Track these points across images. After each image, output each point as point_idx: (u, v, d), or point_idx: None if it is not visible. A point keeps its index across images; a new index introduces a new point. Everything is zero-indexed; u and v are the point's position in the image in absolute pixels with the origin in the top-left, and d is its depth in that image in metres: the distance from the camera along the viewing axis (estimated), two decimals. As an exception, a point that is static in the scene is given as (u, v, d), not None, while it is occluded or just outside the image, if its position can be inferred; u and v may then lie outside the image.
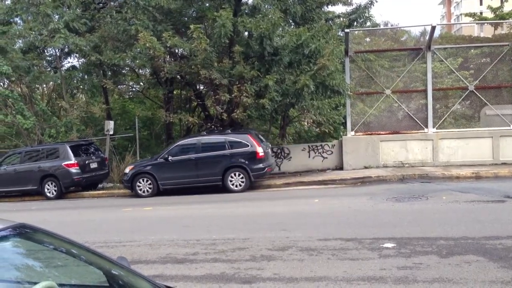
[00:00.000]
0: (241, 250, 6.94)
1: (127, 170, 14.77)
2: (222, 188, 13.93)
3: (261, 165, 13.84)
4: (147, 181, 14.34)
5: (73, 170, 15.37)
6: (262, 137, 15.31)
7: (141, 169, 14.51)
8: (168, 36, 14.45)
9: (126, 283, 2.68)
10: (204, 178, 14.00)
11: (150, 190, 14.31)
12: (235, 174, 13.85)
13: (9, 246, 2.45)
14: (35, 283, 2.04)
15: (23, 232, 2.55)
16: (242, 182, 13.82)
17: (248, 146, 13.82)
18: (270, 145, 15.80)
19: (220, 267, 6.15)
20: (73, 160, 15.37)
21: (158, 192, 14.30)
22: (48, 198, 15.52)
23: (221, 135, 14.46)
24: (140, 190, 14.35)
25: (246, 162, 13.75)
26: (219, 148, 14.02)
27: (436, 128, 16.17)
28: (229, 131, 14.78)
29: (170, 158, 14.19)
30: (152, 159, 14.98)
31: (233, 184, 13.86)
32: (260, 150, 13.76)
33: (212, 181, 14.01)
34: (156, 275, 5.87)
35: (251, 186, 14.06)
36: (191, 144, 14.44)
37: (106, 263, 2.71)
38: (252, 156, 13.76)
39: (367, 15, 18.78)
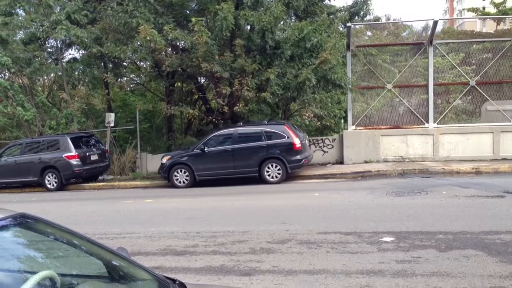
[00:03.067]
0: (241, 242, 6.97)
1: (164, 161, 14.67)
2: (259, 179, 13.86)
3: (298, 157, 13.70)
4: (183, 171, 14.30)
5: (74, 162, 15.39)
6: (298, 129, 15.20)
7: (178, 159, 14.44)
8: (170, 29, 14.41)
9: (126, 274, 2.70)
10: (241, 170, 13.92)
11: (187, 181, 14.28)
12: (271, 166, 13.75)
13: (9, 236, 2.46)
14: (36, 273, 2.05)
15: (23, 222, 2.56)
16: (279, 173, 13.72)
17: (285, 137, 13.70)
18: (307, 136, 15.68)
19: (220, 260, 6.18)
20: (73, 152, 15.40)
21: (195, 183, 14.25)
22: (49, 190, 15.55)
23: (258, 126, 14.33)
24: (177, 180, 14.31)
25: (283, 153, 13.64)
26: (255, 139, 13.92)
27: (437, 123, 16.17)
28: (266, 121, 14.72)
29: (206, 149, 14.11)
30: (188, 149, 14.84)
31: (269, 176, 13.76)
32: (297, 142, 13.63)
33: (249, 172, 13.90)
34: (156, 266, 5.89)
35: (287, 177, 13.93)
36: (228, 134, 14.33)
37: (106, 253, 2.72)
38: (289, 148, 13.64)
39: (367, 7, 18.75)
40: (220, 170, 14.05)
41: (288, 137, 13.69)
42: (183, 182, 14.31)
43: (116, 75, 19.57)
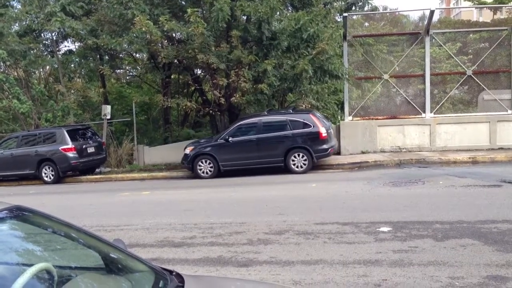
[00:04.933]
0: (238, 234, 6.98)
1: (187, 151, 14.42)
2: (285, 169, 13.69)
3: (324, 146, 13.53)
4: (207, 162, 14.13)
5: (70, 154, 15.35)
6: (324, 118, 15.05)
7: (201, 150, 14.24)
8: (165, 20, 14.31)
9: (123, 266, 2.70)
10: (266, 159, 13.72)
11: (211, 172, 14.09)
12: (297, 155, 13.56)
13: (6, 229, 2.45)
14: (32, 266, 2.04)
15: (19, 214, 2.55)
16: (305, 163, 13.55)
17: (311, 126, 13.51)
18: (332, 125, 15.60)
19: (217, 251, 6.19)
20: (70, 145, 15.35)
21: (219, 173, 14.07)
22: (46, 183, 15.53)
23: (283, 115, 14.15)
24: (201, 171, 14.12)
25: (309, 142, 13.45)
26: (280, 129, 13.72)
27: (434, 113, 16.17)
28: (291, 110, 14.55)
29: (230, 139, 13.92)
30: (212, 140, 14.65)
31: (295, 165, 13.59)
32: (323, 131, 13.45)
33: (274, 162, 13.69)
34: (153, 258, 5.90)
35: (313, 166, 13.79)
36: (252, 124, 14.11)
37: (103, 245, 2.72)
38: (315, 137, 13.45)
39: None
40: (244, 160, 13.83)
41: (314, 126, 13.51)
42: (207, 173, 14.12)
43: (112, 67, 19.48)
